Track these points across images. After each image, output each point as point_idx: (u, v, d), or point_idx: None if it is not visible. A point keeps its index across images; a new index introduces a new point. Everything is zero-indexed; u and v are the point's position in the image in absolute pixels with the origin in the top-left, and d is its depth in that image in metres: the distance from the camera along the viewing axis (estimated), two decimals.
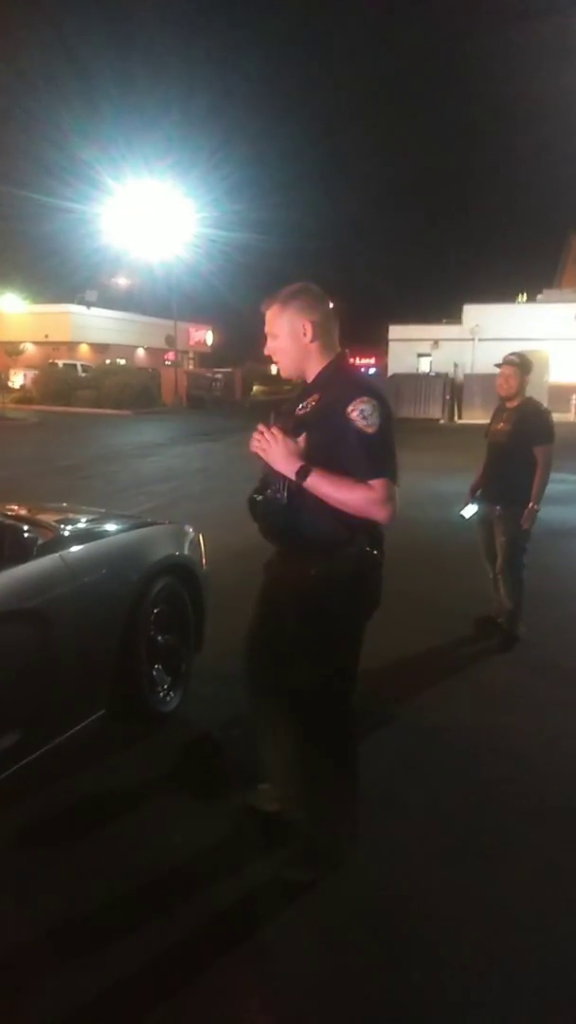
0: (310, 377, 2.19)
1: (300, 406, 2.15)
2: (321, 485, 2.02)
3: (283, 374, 2.25)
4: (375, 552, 2.14)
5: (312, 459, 2.03)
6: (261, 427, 2.12)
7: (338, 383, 2.11)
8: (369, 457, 2.01)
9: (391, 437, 2.05)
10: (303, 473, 2.02)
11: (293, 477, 2.04)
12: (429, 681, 3.84)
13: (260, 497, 2.20)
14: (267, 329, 2.19)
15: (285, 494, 2.08)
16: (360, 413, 1.99)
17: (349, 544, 2.08)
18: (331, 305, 2.20)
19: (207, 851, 2.42)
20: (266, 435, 2.07)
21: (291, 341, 2.15)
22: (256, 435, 2.12)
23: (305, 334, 2.13)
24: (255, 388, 40.07)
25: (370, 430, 1.99)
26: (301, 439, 2.06)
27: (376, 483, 1.99)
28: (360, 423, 1.99)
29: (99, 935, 2.08)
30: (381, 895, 2.26)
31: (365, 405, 2.00)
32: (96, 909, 2.17)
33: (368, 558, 2.12)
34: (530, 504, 4.10)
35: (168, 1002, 1.87)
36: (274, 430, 2.07)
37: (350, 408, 2.00)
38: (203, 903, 2.19)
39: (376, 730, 3.25)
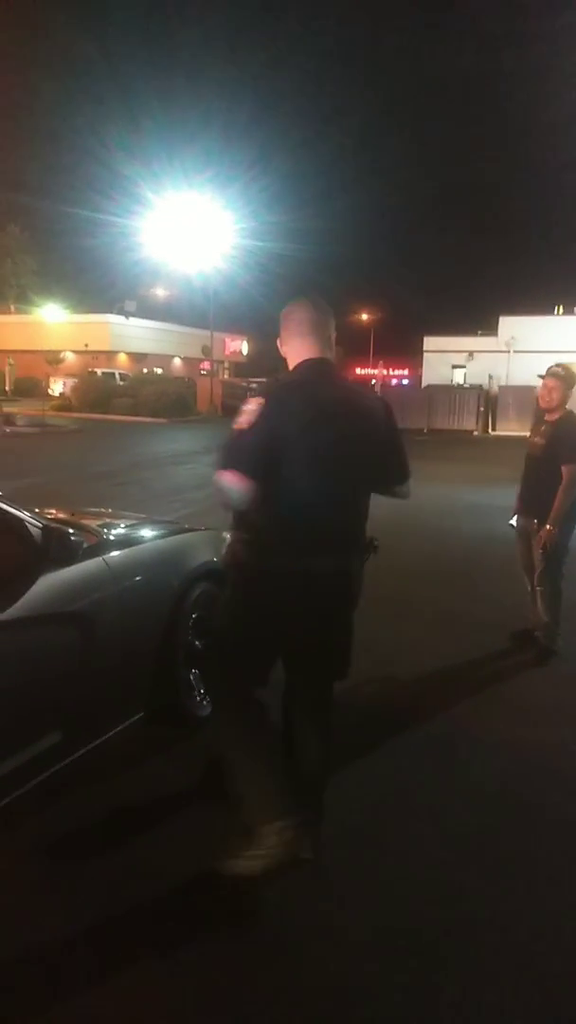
0: None
1: None
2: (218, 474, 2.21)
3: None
4: (243, 540, 2.26)
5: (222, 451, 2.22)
6: None
7: (268, 384, 2.35)
8: (229, 448, 2.14)
9: (261, 437, 2.11)
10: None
11: None
12: (463, 694, 3.82)
13: None
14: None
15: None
16: (240, 412, 2.16)
17: (248, 543, 2.23)
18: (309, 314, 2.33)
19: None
20: None
21: (278, 344, 2.41)
22: None
23: (280, 349, 2.38)
24: None
25: (238, 426, 2.14)
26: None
27: (226, 472, 2.10)
28: (235, 421, 2.17)
29: (134, 933, 2.12)
30: (411, 909, 2.26)
31: (246, 404, 2.17)
32: (131, 909, 2.21)
33: (234, 545, 2.29)
34: (547, 526, 4.06)
35: (201, 1002, 1.90)
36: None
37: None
38: (236, 907, 2.22)
39: (409, 742, 3.25)
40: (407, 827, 2.66)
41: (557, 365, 4.27)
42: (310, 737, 2.41)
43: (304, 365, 2.30)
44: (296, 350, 2.32)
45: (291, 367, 2.33)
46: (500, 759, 3.15)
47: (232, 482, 2.09)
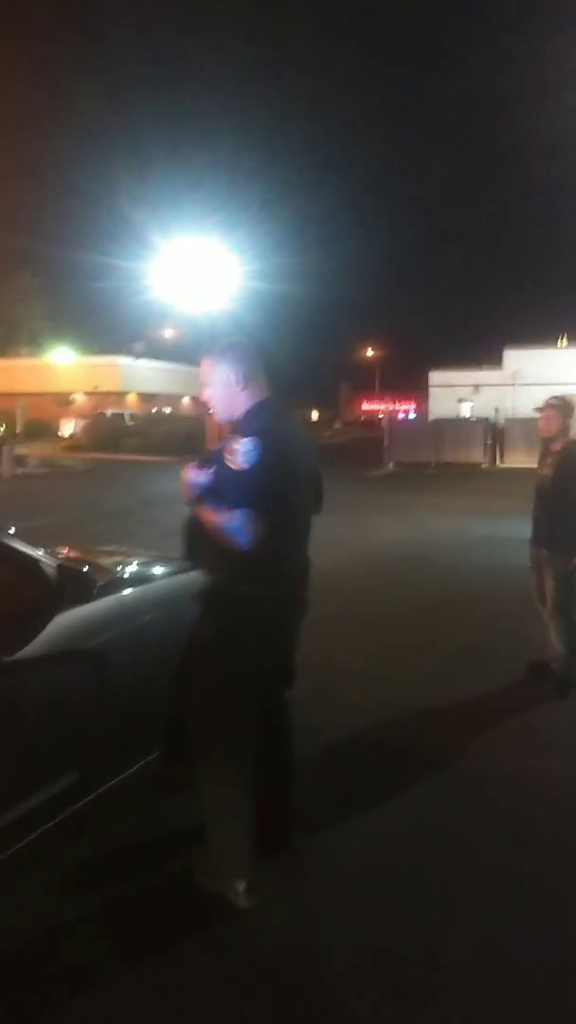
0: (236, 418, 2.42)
1: (217, 445, 2.38)
2: (205, 513, 2.28)
3: (216, 417, 2.50)
4: (246, 588, 2.28)
5: (211, 491, 2.27)
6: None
7: (242, 426, 2.33)
8: (235, 489, 2.18)
9: (271, 475, 2.18)
10: (194, 502, 2.33)
11: (191, 506, 2.34)
12: (481, 727, 3.77)
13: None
14: (202, 379, 2.44)
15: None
16: (234, 450, 2.19)
17: (227, 575, 2.29)
18: (253, 355, 2.43)
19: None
20: (181, 472, 2.37)
21: (222, 390, 2.39)
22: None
23: (237, 384, 2.36)
24: None
25: (238, 466, 2.18)
26: (208, 472, 2.30)
27: (237, 513, 2.15)
28: (233, 458, 2.19)
29: (144, 979, 2.08)
30: (427, 940, 2.22)
31: (243, 444, 2.19)
32: (144, 952, 2.17)
33: (234, 593, 2.30)
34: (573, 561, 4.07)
35: None
36: (186, 463, 2.38)
37: (228, 447, 2.22)
38: (253, 950, 2.18)
39: (427, 775, 3.21)
40: (425, 861, 2.61)
41: (553, 397, 4.39)
42: (279, 743, 2.51)
43: (267, 404, 2.39)
44: (252, 391, 2.39)
45: (242, 408, 2.37)
46: (518, 792, 3.11)
47: (249, 522, 2.14)
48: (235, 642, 2.33)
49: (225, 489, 2.21)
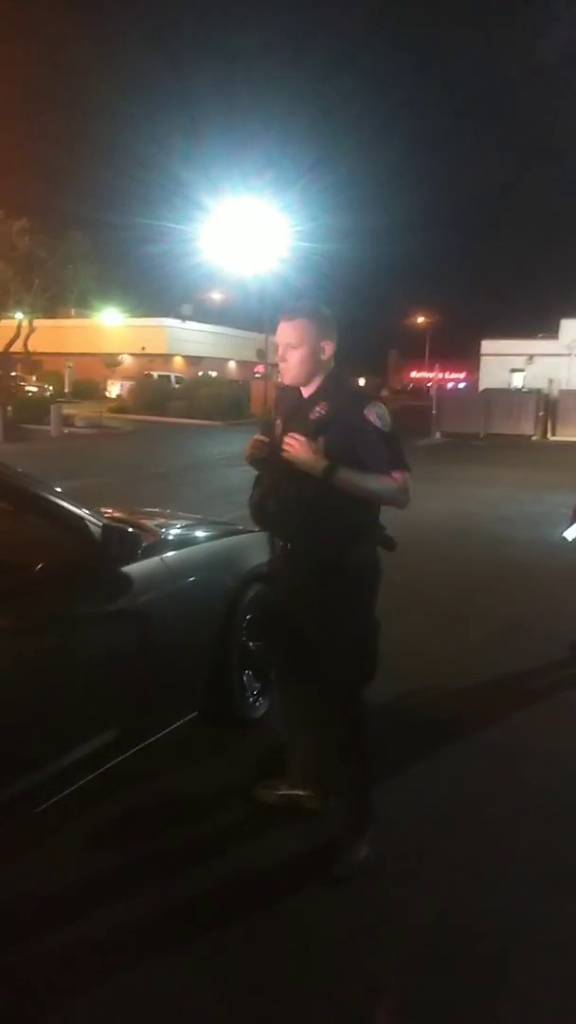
0: (311, 387, 2.34)
1: (313, 413, 2.28)
2: (352, 478, 2.19)
3: (287, 381, 2.38)
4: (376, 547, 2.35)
5: (332, 458, 2.19)
6: (260, 436, 2.35)
7: (342, 392, 2.33)
8: (391, 452, 2.24)
9: (400, 436, 2.29)
10: (330, 470, 2.17)
11: (321, 475, 2.17)
12: (519, 704, 3.72)
13: (272, 501, 2.32)
14: (284, 340, 2.32)
15: (309, 493, 2.21)
16: (376, 415, 2.23)
17: (362, 538, 2.29)
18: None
19: (290, 859, 2.43)
20: (290, 439, 2.20)
21: (310, 354, 2.30)
22: (256, 443, 2.33)
23: (324, 352, 2.31)
24: None
25: (387, 428, 2.23)
26: (320, 441, 2.20)
27: (398, 474, 2.23)
28: (378, 423, 2.22)
29: (178, 933, 2.12)
30: (470, 922, 2.21)
31: (379, 408, 2.25)
32: (174, 909, 2.21)
33: (373, 553, 2.34)
34: None
35: (249, 998, 1.88)
36: (295, 435, 2.21)
37: (367, 411, 2.22)
38: (281, 910, 2.21)
39: (465, 752, 3.18)
40: (461, 838, 2.60)
41: None
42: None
43: (340, 369, 2.40)
44: (331, 358, 2.36)
45: (321, 374, 2.33)
46: (556, 770, 3.06)
47: (409, 481, 2.26)
48: (372, 610, 2.38)
49: (373, 453, 2.21)
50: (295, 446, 2.19)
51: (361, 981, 1.97)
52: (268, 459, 2.31)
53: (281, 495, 2.28)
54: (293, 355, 2.31)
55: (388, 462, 2.22)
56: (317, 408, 2.29)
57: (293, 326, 2.30)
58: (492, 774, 3.03)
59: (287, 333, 2.31)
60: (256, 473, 2.42)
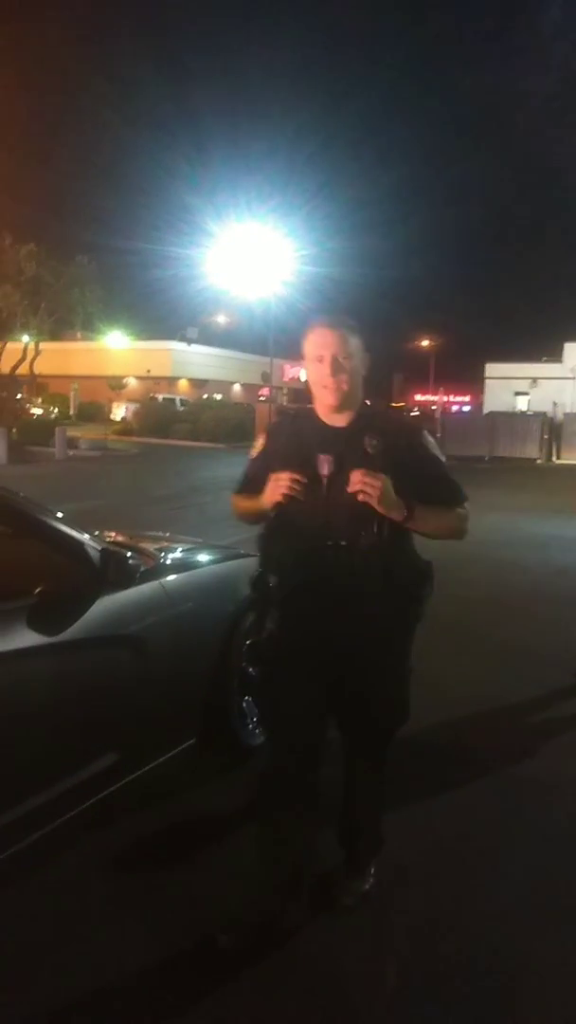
0: (346, 415, 2.01)
1: (367, 446, 1.95)
2: (429, 517, 2.00)
3: (338, 402, 1.97)
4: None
5: (402, 496, 1.93)
6: (295, 475, 1.93)
7: (386, 420, 2.07)
8: (453, 482, 2.09)
9: None
10: (411, 509, 1.94)
11: (402, 517, 1.94)
12: (524, 732, 3.68)
13: (330, 547, 1.97)
14: (334, 351, 1.93)
15: (387, 533, 1.96)
16: (432, 444, 2.08)
17: (429, 577, 2.11)
18: None
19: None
20: (369, 480, 1.87)
21: (359, 371, 2.00)
22: (292, 482, 1.93)
23: (365, 369, 2.03)
24: None
25: (443, 458, 2.11)
26: (379, 474, 1.91)
27: (465, 505, 2.12)
28: (436, 452, 2.09)
29: (175, 961, 2.07)
30: (481, 955, 2.15)
31: (429, 437, 2.09)
32: (174, 937, 2.16)
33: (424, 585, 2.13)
34: None
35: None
36: (373, 474, 1.89)
37: (424, 441, 2.07)
38: (271, 939, 2.15)
39: (471, 782, 3.13)
40: (464, 869, 2.54)
41: None
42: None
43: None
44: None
45: (361, 397, 2.05)
46: (560, 799, 3.01)
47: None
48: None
49: (444, 486, 2.06)
50: (376, 486, 1.87)
51: (366, 1014, 1.91)
52: (312, 501, 1.96)
53: (344, 539, 1.96)
54: (347, 366, 1.94)
55: (455, 494, 2.07)
56: (370, 440, 1.96)
57: (342, 335, 1.94)
58: (494, 802, 2.98)
59: (334, 341, 1.93)
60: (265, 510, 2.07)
